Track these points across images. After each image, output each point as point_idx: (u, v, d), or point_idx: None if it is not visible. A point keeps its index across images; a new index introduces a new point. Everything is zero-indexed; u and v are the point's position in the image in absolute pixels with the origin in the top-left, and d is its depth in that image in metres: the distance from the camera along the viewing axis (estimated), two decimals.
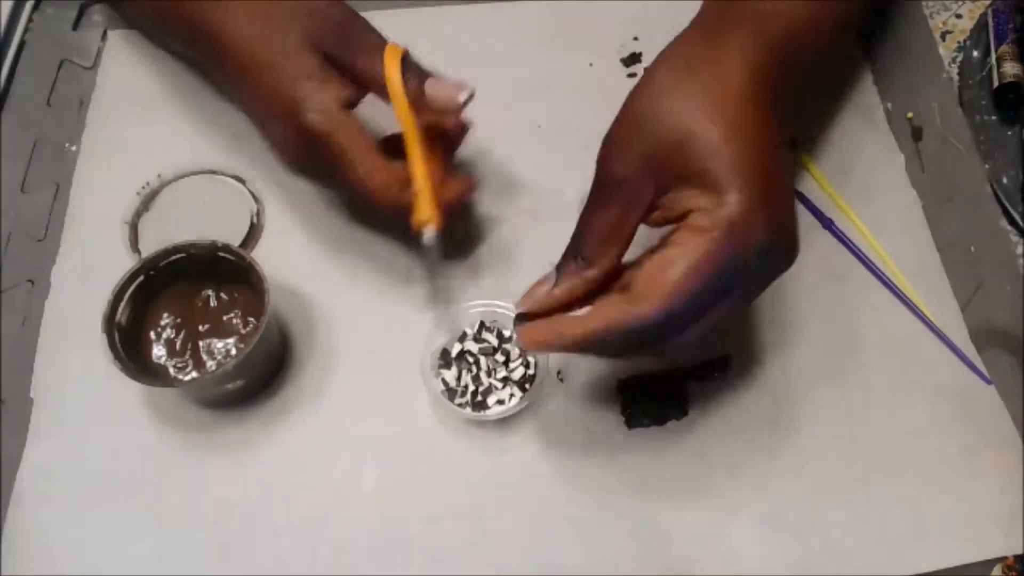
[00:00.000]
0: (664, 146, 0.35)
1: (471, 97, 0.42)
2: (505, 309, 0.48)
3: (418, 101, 0.42)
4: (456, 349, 0.48)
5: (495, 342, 0.48)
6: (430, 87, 0.42)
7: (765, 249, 0.34)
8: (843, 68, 0.59)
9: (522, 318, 0.38)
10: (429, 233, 0.42)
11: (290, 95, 0.42)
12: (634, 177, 0.36)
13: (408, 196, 0.43)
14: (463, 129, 0.45)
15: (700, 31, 0.40)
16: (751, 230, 0.34)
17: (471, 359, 0.47)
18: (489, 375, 0.46)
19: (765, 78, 0.37)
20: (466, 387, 0.46)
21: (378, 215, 0.42)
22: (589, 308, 0.37)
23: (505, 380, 0.46)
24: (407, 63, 0.42)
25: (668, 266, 0.34)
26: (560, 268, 0.38)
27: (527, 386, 0.46)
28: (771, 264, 0.37)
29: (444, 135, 0.45)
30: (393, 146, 0.44)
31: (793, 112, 0.41)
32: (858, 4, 0.48)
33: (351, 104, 0.44)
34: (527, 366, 0.47)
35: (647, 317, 0.34)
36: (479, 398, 0.46)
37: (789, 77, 0.39)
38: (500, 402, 0.46)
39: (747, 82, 0.36)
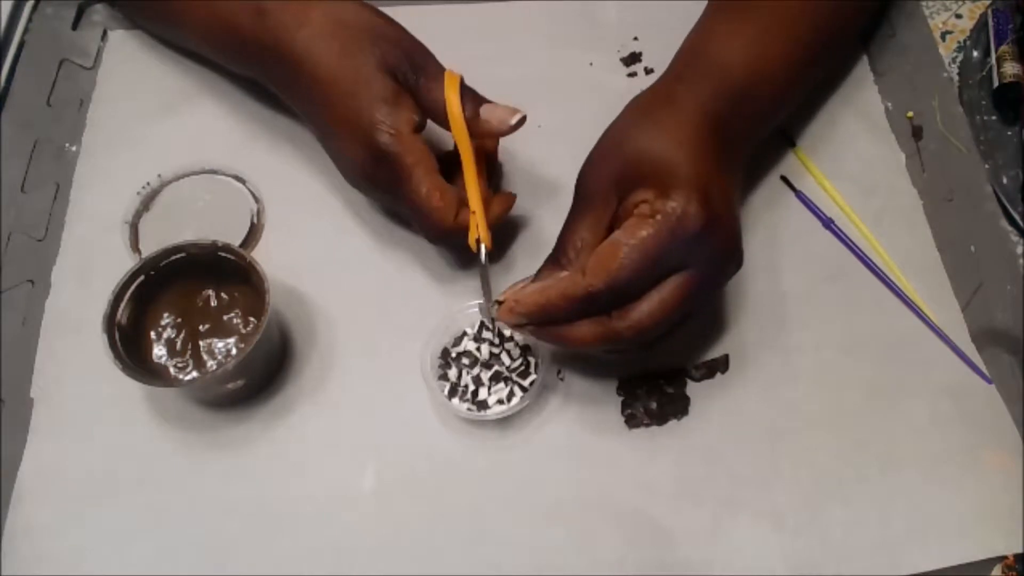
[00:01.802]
0: (625, 163, 0.42)
1: (523, 120, 0.46)
2: None
3: (472, 125, 0.46)
4: (456, 349, 0.48)
5: (496, 342, 0.48)
6: (485, 112, 0.46)
7: (699, 235, 0.40)
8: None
9: (498, 304, 0.43)
10: (483, 252, 0.46)
11: (367, 116, 0.45)
12: (600, 192, 0.42)
13: (462, 217, 0.46)
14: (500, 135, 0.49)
15: (664, 82, 0.47)
16: (687, 216, 0.39)
17: (471, 359, 0.47)
18: (490, 375, 0.46)
19: (714, 119, 0.44)
20: (466, 387, 0.46)
21: (432, 231, 0.47)
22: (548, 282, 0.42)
23: (506, 380, 0.46)
24: (464, 89, 0.46)
25: (614, 245, 0.40)
26: (538, 273, 0.43)
27: (527, 386, 0.46)
28: (713, 257, 0.41)
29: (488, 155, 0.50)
30: (444, 163, 0.47)
31: (746, 145, 0.48)
32: (817, 47, 0.51)
33: (419, 128, 0.47)
34: (527, 366, 0.47)
35: (593, 286, 0.40)
36: (479, 398, 0.46)
37: (737, 118, 0.45)
38: (500, 402, 0.46)
39: (697, 119, 0.43)
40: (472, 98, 0.46)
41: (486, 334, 0.48)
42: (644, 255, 0.39)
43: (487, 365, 0.47)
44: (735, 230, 0.43)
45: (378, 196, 0.50)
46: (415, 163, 0.45)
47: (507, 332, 0.48)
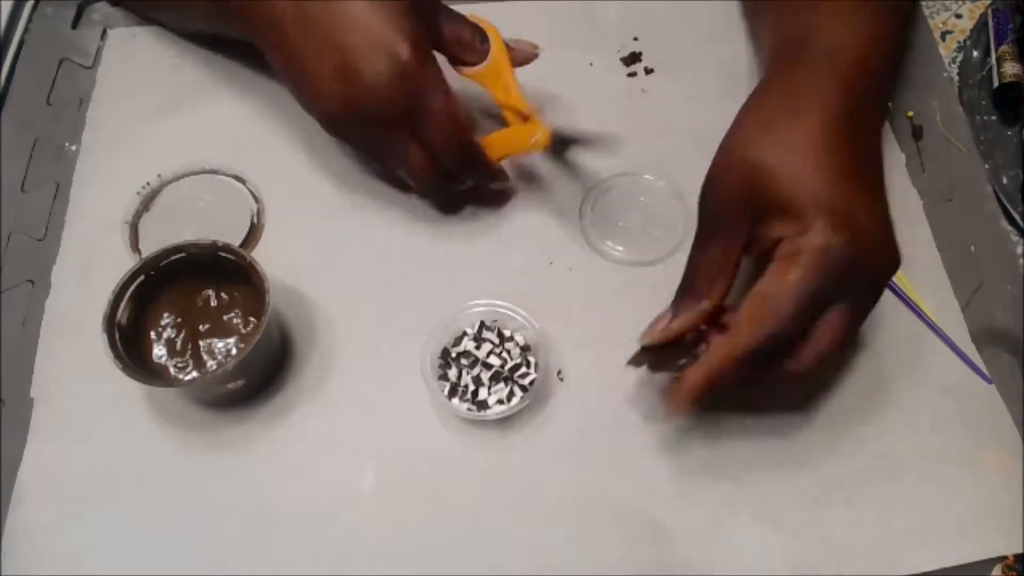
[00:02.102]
0: (753, 184, 0.39)
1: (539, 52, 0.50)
2: (505, 309, 0.48)
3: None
4: (456, 349, 0.48)
5: (496, 341, 0.48)
6: (512, 43, 0.49)
7: (850, 265, 0.37)
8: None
9: (645, 351, 0.43)
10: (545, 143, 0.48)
11: (389, 30, 0.43)
12: (729, 215, 0.40)
13: (477, 141, 0.47)
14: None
15: (776, 82, 0.44)
16: (832, 250, 0.37)
17: (471, 359, 0.47)
18: (490, 375, 0.46)
19: (844, 118, 0.40)
20: (466, 387, 0.46)
21: (446, 155, 0.46)
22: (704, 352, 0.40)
23: (506, 380, 0.46)
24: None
25: (763, 296, 0.38)
26: (675, 305, 0.42)
27: (527, 386, 0.46)
28: (872, 278, 0.40)
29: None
30: None
31: (879, 132, 0.45)
32: (902, 15, 0.49)
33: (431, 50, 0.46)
34: (527, 366, 0.47)
35: (750, 344, 0.38)
36: (479, 398, 0.46)
37: (864, 104, 0.42)
38: (500, 402, 0.46)
39: (826, 124, 0.40)
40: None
41: (486, 334, 0.48)
42: (797, 302, 0.37)
43: (487, 365, 0.47)
44: (885, 241, 0.40)
45: (382, 128, 0.46)
46: (440, 78, 0.44)
47: (507, 332, 0.48)
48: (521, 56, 0.49)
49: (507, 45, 0.49)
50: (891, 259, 0.40)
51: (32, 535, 0.44)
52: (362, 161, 0.54)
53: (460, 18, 0.48)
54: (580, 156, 0.56)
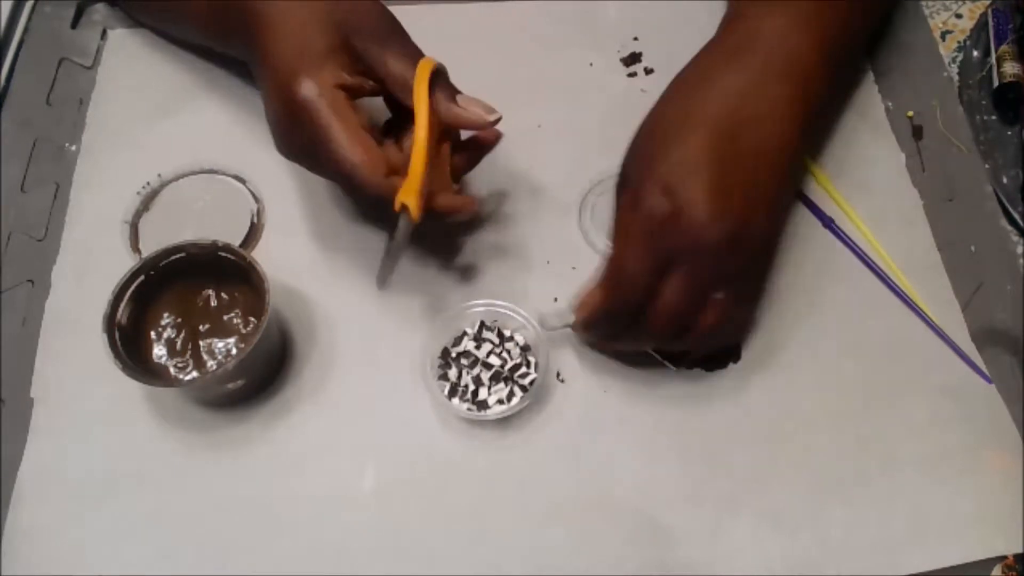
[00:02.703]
0: (637, 151, 0.45)
1: (498, 120, 0.44)
2: (505, 309, 0.48)
3: (446, 110, 0.43)
4: (456, 349, 0.48)
5: (496, 341, 0.48)
6: (462, 100, 0.44)
7: (662, 224, 0.40)
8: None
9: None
10: (404, 219, 0.42)
11: (291, 64, 0.43)
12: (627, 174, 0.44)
13: (393, 181, 0.43)
14: (496, 137, 0.47)
15: (703, 61, 0.46)
16: (645, 202, 0.41)
17: (471, 359, 0.47)
18: (490, 375, 0.46)
19: (724, 130, 0.42)
20: (466, 387, 0.46)
21: (356, 189, 0.43)
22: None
23: (506, 380, 0.46)
24: (439, 74, 0.44)
25: (606, 264, 0.43)
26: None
27: (527, 386, 0.46)
28: (700, 239, 0.40)
29: (470, 146, 0.47)
30: (394, 134, 0.46)
31: (809, 125, 0.45)
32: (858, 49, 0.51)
33: (351, 92, 0.44)
34: (527, 366, 0.47)
35: (598, 305, 0.43)
36: (479, 398, 0.46)
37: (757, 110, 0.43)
38: (500, 402, 0.46)
39: (707, 135, 0.42)
40: (449, 87, 0.44)
41: (486, 334, 0.48)
42: (627, 268, 0.41)
43: (487, 365, 0.47)
44: (700, 220, 0.40)
45: (303, 162, 0.46)
46: (334, 115, 0.42)
47: (507, 332, 0.48)
48: (464, 118, 0.43)
49: (454, 100, 0.43)
50: (709, 234, 0.40)
51: (32, 535, 0.44)
52: None
53: (404, 56, 0.44)
54: (580, 156, 0.56)
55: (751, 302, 0.46)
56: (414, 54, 0.45)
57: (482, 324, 0.48)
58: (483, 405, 0.46)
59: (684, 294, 0.41)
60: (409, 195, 0.42)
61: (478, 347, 0.47)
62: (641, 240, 0.41)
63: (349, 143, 0.42)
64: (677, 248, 0.40)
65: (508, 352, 0.47)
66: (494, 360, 0.47)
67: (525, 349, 0.47)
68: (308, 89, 0.42)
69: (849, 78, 0.57)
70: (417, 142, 0.42)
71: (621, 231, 0.43)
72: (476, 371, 0.47)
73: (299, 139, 0.44)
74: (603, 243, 0.52)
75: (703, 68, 0.46)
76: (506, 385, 0.46)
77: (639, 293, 0.41)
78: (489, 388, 0.46)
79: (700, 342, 0.44)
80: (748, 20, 0.47)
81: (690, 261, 0.41)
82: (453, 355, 0.47)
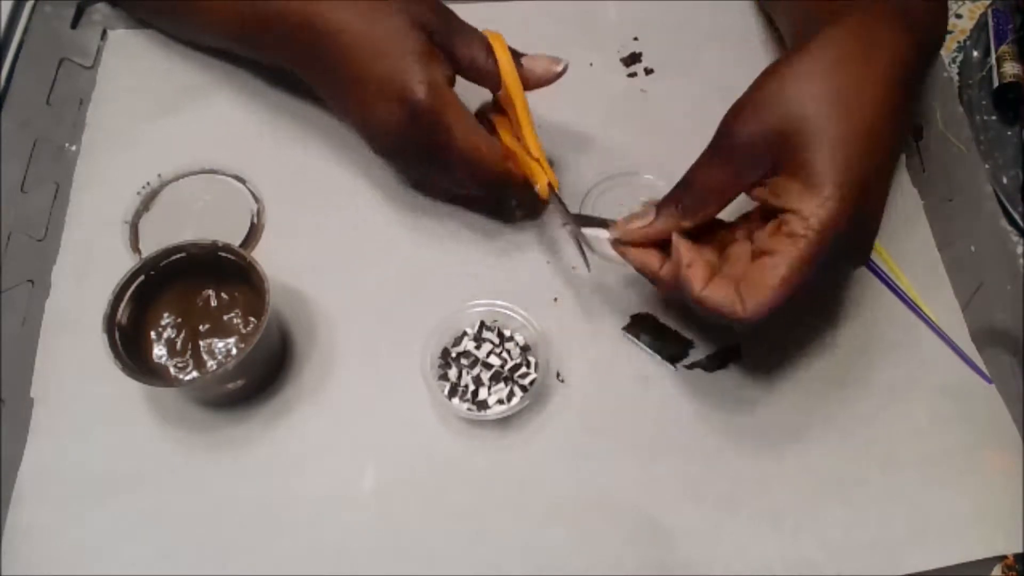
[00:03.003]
0: (790, 128, 0.37)
1: (566, 69, 0.47)
2: (505, 308, 0.48)
3: (524, 77, 0.46)
4: (456, 349, 0.48)
5: (496, 341, 0.48)
6: (528, 62, 0.46)
7: (848, 251, 0.39)
8: None
9: (616, 243, 0.44)
10: (554, 198, 0.47)
11: (402, 73, 0.44)
12: (755, 148, 0.38)
13: (508, 166, 0.47)
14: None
15: (855, 22, 0.40)
16: (838, 237, 0.37)
17: (471, 359, 0.47)
18: (490, 375, 0.46)
19: (904, 87, 0.38)
20: (466, 387, 0.46)
21: (482, 181, 0.46)
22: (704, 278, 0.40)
23: (506, 380, 0.46)
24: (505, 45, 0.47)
25: (768, 272, 0.38)
26: (660, 209, 0.42)
27: (527, 386, 0.46)
28: (852, 261, 0.41)
29: None
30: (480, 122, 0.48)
31: (912, 112, 0.43)
32: None
33: (452, 82, 0.46)
34: (527, 366, 0.47)
35: (746, 316, 0.38)
36: (479, 398, 0.46)
37: (924, 60, 0.41)
38: (500, 402, 0.46)
39: (886, 91, 0.38)
40: (513, 53, 0.47)
41: (486, 334, 0.48)
42: (801, 285, 0.38)
43: (487, 365, 0.47)
44: (874, 238, 0.40)
45: (412, 159, 0.48)
46: (456, 115, 0.45)
47: (507, 332, 0.48)
48: (536, 77, 0.47)
49: (520, 64, 0.47)
50: (867, 254, 0.41)
51: (32, 535, 0.44)
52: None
53: (474, 38, 0.47)
54: (580, 156, 0.56)
55: None
56: (476, 34, 0.47)
57: (482, 324, 0.48)
58: (483, 405, 0.46)
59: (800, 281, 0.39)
60: (548, 174, 0.46)
61: (478, 347, 0.47)
62: (811, 270, 0.38)
63: (473, 138, 0.45)
64: (836, 269, 0.40)
65: (508, 352, 0.47)
66: (494, 360, 0.47)
67: (525, 349, 0.47)
68: (425, 92, 0.44)
69: None
70: (527, 130, 0.47)
71: (792, 243, 0.37)
72: (476, 371, 0.47)
73: (418, 141, 0.45)
74: (604, 243, 0.52)
75: (866, 26, 0.39)
76: (506, 385, 0.46)
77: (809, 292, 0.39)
78: (489, 388, 0.46)
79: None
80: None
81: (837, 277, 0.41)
82: (453, 355, 0.47)
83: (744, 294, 0.38)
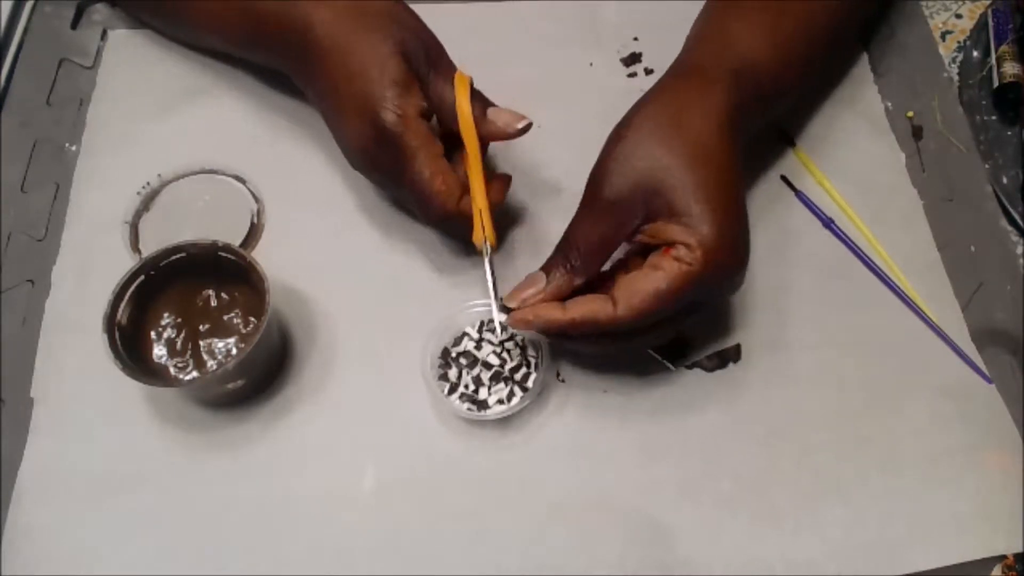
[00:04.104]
0: (652, 183, 0.42)
1: (528, 127, 0.47)
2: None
3: (479, 125, 0.46)
4: (456, 349, 0.48)
5: (495, 341, 0.47)
6: (492, 114, 0.47)
7: (729, 276, 0.42)
8: (842, 67, 0.59)
9: (506, 310, 0.44)
10: (488, 249, 0.47)
11: (376, 96, 0.45)
12: (625, 204, 0.42)
13: (464, 204, 0.47)
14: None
15: (681, 81, 0.46)
16: (720, 266, 0.41)
17: (471, 359, 0.47)
18: (490, 375, 0.46)
19: (733, 126, 0.44)
20: (466, 387, 0.46)
21: (433, 215, 0.47)
22: (573, 299, 0.43)
23: (506, 380, 0.46)
24: (472, 91, 0.47)
25: (650, 282, 0.41)
26: (548, 271, 0.44)
27: (527, 386, 0.46)
28: (731, 285, 0.44)
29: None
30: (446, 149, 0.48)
31: (752, 134, 0.48)
32: (830, 33, 0.51)
33: (427, 116, 0.47)
34: (528, 366, 0.47)
35: (620, 319, 0.41)
36: (479, 398, 0.46)
37: (753, 116, 0.46)
38: (500, 402, 0.46)
39: (719, 132, 0.43)
40: (480, 99, 0.47)
41: (487, 334, 0.48)
42: (677, 300, 0.41)
43: (487, 365, 0.47)
44: (747, 257, 0.43)
45: (380, 179, 0.50)
46: (419, 146, 0.45)
47: (507, 332, 0.48)
48: (496, 130, 0.47)
49: (484, 114, 0.46)
50: (743, 273, 0.44)
51: (32, 535, 0.44)
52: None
53: (449, 77, 0.47)
54: (580, 156, 0.56)
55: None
56: (452, 73, 0.47)
57: (482, 324, 0.48)
58: (483, 405, 0.46)
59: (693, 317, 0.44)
60: (486, 230, 0.47)
61: (478, 347, 0.47)
62: (696, 286, 0.41)
63: (431, 172, 0.45)
64: (716, 295, 0.44)
65: (508, 352, 0.47)
66: (494, 360, 0.47)
67: (525, 349, 0.47)
68: (393, 119, 0.45)
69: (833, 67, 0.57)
70: (474, 179, 0.47)
71: (676, 267, 0.41)
72: (476, 371, 0.47)
73: (384, 163, 0.46)
74: None
75: (699, 81, 0.46)
76: (506, 385, 0.46)
77: (658, 323, 0.42)
78: (489, 388, 0.46)
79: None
80: (713, 40, 0.49)
81: (713, 301, 0.44)
82: (453, 355, 0.47)
83: (618, 297, 0.41)
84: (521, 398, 0.46)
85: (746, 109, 0.45)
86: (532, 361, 0.47)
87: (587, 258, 0.43)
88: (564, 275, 0.43)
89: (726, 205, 0.42)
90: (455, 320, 0.48)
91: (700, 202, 0.41)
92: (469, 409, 0.46)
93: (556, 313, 0.42)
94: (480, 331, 0.48)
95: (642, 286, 0.41)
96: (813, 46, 0.50)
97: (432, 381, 0.46)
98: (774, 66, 0.47)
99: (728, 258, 0.42)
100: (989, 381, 0.49)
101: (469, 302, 0.48)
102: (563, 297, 0.43)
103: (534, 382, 0.46)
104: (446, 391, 0.46)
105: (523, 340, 0.48)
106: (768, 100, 0.48)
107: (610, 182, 0.43)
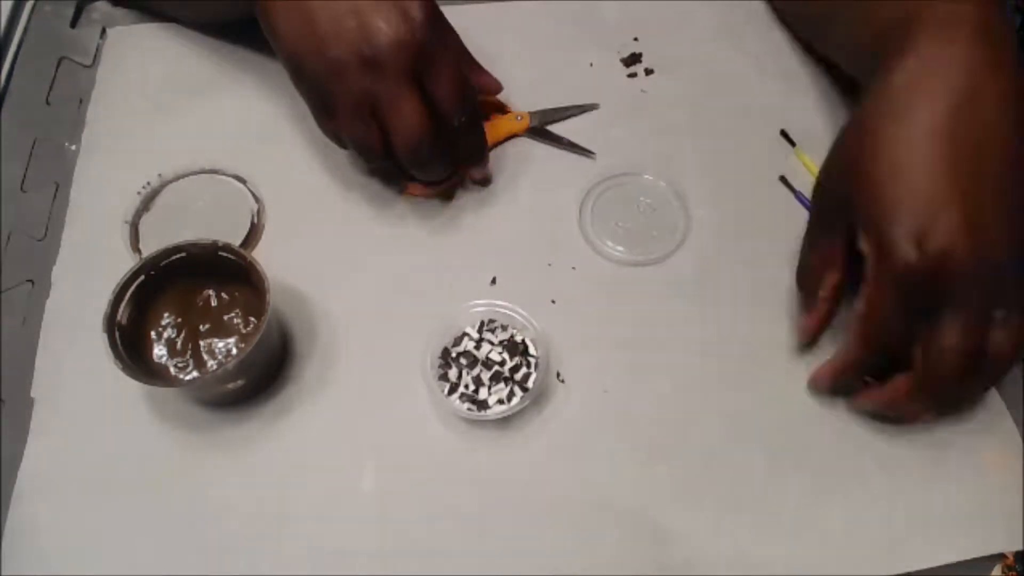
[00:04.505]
0: (858, 192, 0.41)
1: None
2: (505, 309, 0.48)
3: None
4: (456, 349, 0.48)
5: (495, 341, 0.48)
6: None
7: (921, 279, 0.39)
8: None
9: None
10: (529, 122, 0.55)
11: None
12: (833, 215, 0.43)
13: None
14: None
15: (889, 76, 0.42)
16: (904, 266, 0.39)
17: (471, 359, 0.47)
18: (490, 375, 0.46)
19: (964, 105, 0.39)
20: (466, 387, 0.46)
21: (448, 111, 0.47)
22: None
23: (506, 380, 0.46)
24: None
25: (857, 315, 0.42)
26: (801, 305, 0.48)
27: (527, 386, 0.46)
28: (968, 280, 0.39)
29: None
30: None
31: (1008, 98, 0.41)
32: None
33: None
34: (527, 366, 0.47)
35: (856, 355, 0.43)
36: (479, 398, 0.46)
37: (993, 71, 0.40)
38: (500, 402, 0.46)
39: (942, 124, 0.39)
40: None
41: (487, 334, 0.48)
42: (882, 321, 0.41)
43: (487, 365, 0.47)
44: (962, 261, 0.38)
45: (387, 81, 0.45)
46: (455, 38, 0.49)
47: (507, 332, 0.48)
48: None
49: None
50: (992, 257, 0.38)
51: (32, 535, 0.44)
52: (334, 121, 0.49)
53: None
54: (579, 156, 0.56)
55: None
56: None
57: (482, 324, 0.48)
58: (483, 405, 0.46)
59: (964, 331, 0.39)
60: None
61: (478, 347, 0.48)
62: (896, 291, 0.40)
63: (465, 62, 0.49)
64: (942, 292, 0.39)
65: (508, 352, 0.47)
66: (494, 360, 0.47)
67: (525, 349, 0.47)
68: (432, 14, 0.46)
69: None
70: None
71: (874, 282, 0.40)
72: (476, 371, 0.47)
73: (411, 53, 0.45)
74: (603, 243, 0.52)
75: (903, 91, 0.41)
76: (506, 385, 0.46)
77: (895, 342, 0.41)
78: (489, 388, 0.46)
79: (998, 371, 0.42)
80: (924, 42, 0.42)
81: (961, 301, 0.39)
82: (453, 355, 0.47)
83: (847, 343, 0.44)
84: (521, 398, 0.46)
85: (988, 76, 0.39)
86: (532, 361, 0.47)
87: (818, 275, 0.45)
88: (809, 299, 0.47)
89: (921, 200, 0.38)
90: (455, 320, 0.48)
91: (889, 203, 0.40)
92: (469, 409, 0.46)
93: (826, 372, 0.45)
94: (480, 331, 0.48)
95: (855, 321, 0.42)
96: None
97: (432, 381, 0.46)
98: (996, 16, 0.41)
99: (914, 253, 0.38)
100: None
101: (469, 302, 0.48)
102: (829, 316, 0.46)
103: (534, 382, 0.46)
104: (446, 391, 0.46)
105: (523, 340, 0.48)
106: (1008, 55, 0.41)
107: (824, 192, 0.45)
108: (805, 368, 0.49)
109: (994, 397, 0.48)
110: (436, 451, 0.46)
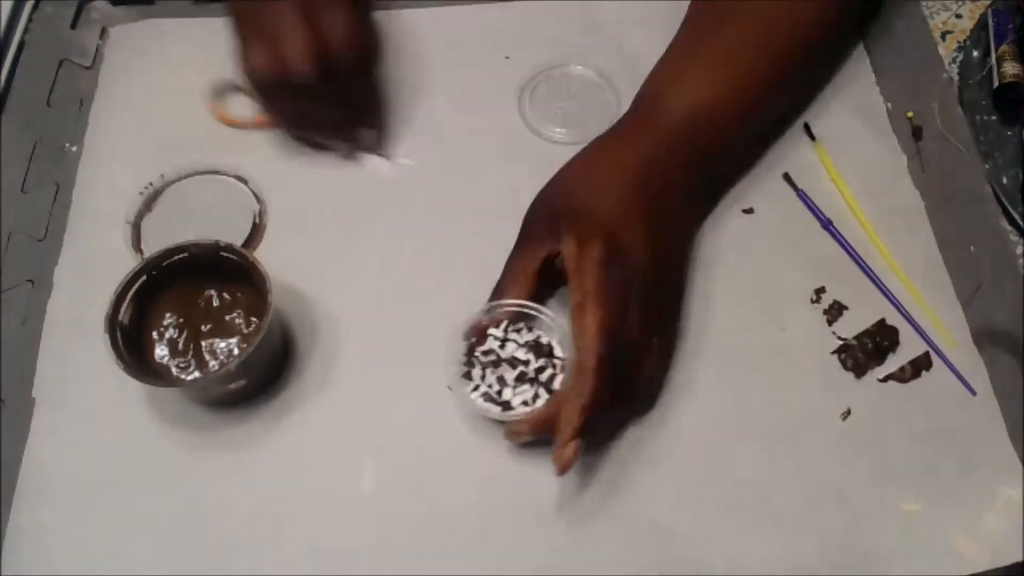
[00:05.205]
0: (557, 211, 0.46)
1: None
2: (532, 310, 0.46)
3: None
4: (481, 348, 0.46)
5: (520, 342, 0.46)
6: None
7: (609, 262, 0.43)
8: (841, 66, 0.59)
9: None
10: None
11: None
12: (538, 232, 0.46)
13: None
14: None
15: (616, 133, 0.50)
16: (595, 251, 0.43)
17: (495, 359, 0.46)
18: (514, 375, 0.45)
19: (647, 169, 0.47)
20: (490, 387, 0.45)
21: (336, 51, 0.48)
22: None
23: (531, 381, 0.45)
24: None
25: (578, 306, 0.42)
26: (490, 301, 0.47)
27: (553, 388, 0.45)
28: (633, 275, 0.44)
29: None
30: None
31: (694, 178, 0.50)
32: (773, 76, 0.52)
33: None
34: (553, 367, 0.46)
35: (597, 350, 0.41)
36: (503, 398, 0.45)
37: (676, 164, 0.48)
38: (525, 403, 0.44)
39: (629, 172, 0.46)
40: None
41: (512, 334, 0.46)
42: (602, 303, 0.42)
43: (512, 365, 0.45)
44: (650, 259, 0.44)
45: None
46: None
47: (533, 333, 0.47)
48: None
49: None
50: (652, 275, 0.44)
51: (32, 535, 0.44)
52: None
53: None
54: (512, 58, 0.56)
55: (670, 352, 0.49)
56: None
57: (508, 324, 0.47)
58: (507, 406, 0.45)
59: (640, 328, 0.43)
60: None
61: (503, 347, 0.46)
62: (598, 279, 0.42)
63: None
64: (634, 283, 0.43)
65: (534, 353, 0.46)
66: (519, 359, 0.46)
67: (551, 351, 0.46)
68: None
69: (793, 98, 0.57)
70: None
71: (572, 276, 0.43)
72: (500, 371, 0.45)
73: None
74: (546, 128, 0.56)
75: (620, 134, 0.49)
76: (531, 387, 0.45)
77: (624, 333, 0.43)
78: (514, 389, 0.45)
79: (641, 389, 0.46)
80: (657, 89, 0.51)
81: (643, 300, 0.43)
82: (477, 354, 0.46)
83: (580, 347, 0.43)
84: (546, 401, 0.44)
85: (659, 165, 0.47)
86: (559, 363, 0.46)
87: (513, 283, 0.46)
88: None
89: (609, 213, 0.44)
90: (480, 319, 0.46)
91: (587, 212, 0.44)
92: (495, 408, 0.44)
93: (563, 429, 0.41)
94: (505, 331, 0.46)
95: (576, 312, 0.42)
96: (749, 91, 0.51)
97: (456, 380, 0.45)
98: (696, 124, 0.48)
99: (601, 244, 0.42)
100: (973, 392, 0.48)
101: (494, 303, 0.46)
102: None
103: (561, 384, 0.45)
104: (469, 390, 0.45)
105: (549, 342, 0.46)
106: (686, 155, 0.48)
107: (529, 219, 0.48)
108: (807, 369, 0.49)
109: (991, 401, 0.48)
110: (436, 451, 0.46)
